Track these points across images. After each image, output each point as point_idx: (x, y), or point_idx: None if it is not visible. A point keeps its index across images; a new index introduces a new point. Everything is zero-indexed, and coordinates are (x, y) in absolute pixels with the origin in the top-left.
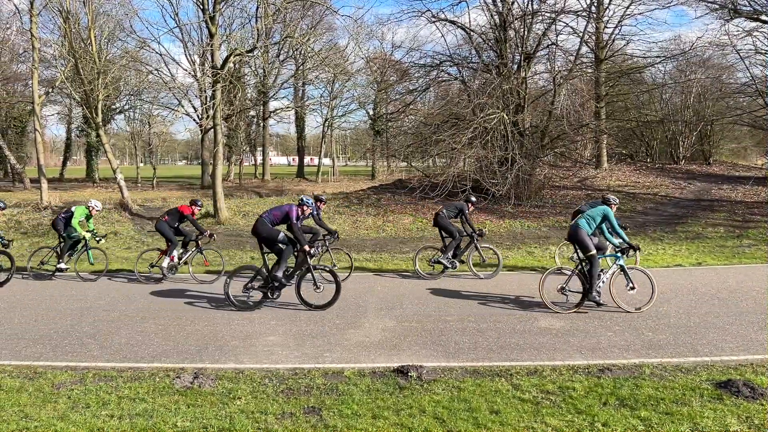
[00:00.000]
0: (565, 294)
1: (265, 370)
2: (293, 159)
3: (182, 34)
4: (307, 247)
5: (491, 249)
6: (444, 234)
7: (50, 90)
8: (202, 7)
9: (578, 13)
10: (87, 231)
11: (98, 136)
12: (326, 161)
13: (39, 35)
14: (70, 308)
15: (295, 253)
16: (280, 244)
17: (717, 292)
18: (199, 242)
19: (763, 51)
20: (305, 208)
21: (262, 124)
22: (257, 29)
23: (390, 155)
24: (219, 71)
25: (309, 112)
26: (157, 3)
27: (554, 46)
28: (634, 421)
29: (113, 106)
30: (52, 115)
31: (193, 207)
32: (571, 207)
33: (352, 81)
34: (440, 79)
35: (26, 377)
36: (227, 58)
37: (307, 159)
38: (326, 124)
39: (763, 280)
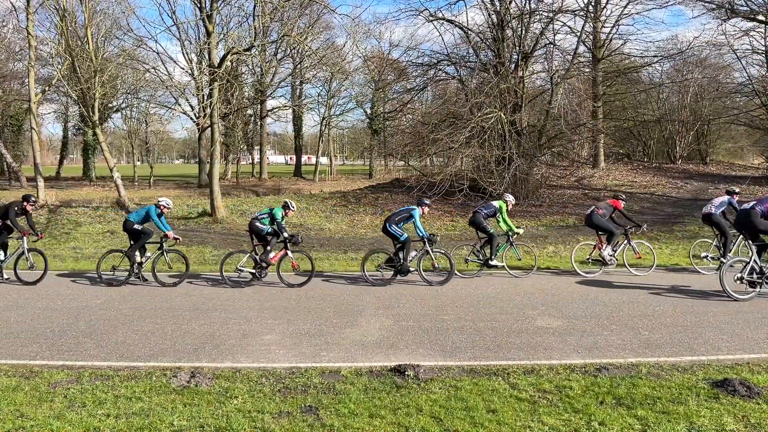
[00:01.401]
0: None
1: (262, 369)
2: (291, 158)
3: (179, 32)
4: None
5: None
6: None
7: (47, 88)
8: (199, 5)
9: (576, 12)
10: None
11: (95, 134)
12: (324, 160)
13: (35, 33)
14: (67, 307)
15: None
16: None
17: (714, 290)
18: (631, 236)
19: (760, 51)
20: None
21: (259, 122)
22: (254, 28)
23: (387, 154)
24: (216, 69)
25: (306, 110)
26: (154, 1)
27: (552, 46)
28: (630, 420)
29: (110, 105)
30: (49, 113)
31: (622, 201)
32: (569, 206)
33: (350, 80)
34: (438, 78)
35: (22, 376)
36: (224, 56)
37: (304, 158)
38: (324, 123)
39: None
